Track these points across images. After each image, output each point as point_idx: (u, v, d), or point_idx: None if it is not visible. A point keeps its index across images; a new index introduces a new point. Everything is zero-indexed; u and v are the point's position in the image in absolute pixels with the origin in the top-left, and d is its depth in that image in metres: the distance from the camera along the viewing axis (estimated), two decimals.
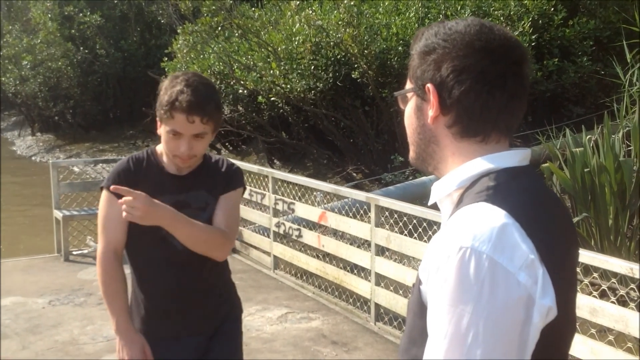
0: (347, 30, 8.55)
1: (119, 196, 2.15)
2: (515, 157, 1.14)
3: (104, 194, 2.29)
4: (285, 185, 6.28)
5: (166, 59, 11.73)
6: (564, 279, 1.07)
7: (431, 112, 1.15)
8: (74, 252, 6.84)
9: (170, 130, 2.16)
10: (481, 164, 1.12)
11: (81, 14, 16.10)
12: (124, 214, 2.08)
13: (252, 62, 9.70)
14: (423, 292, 1.10)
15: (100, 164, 12.13)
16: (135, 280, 2.35)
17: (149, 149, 2.37)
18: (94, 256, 6.73)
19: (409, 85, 1.21)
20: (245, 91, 9.98)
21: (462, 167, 1.14)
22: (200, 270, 2.30)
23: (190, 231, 2.18)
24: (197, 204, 2.29)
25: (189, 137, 2.16)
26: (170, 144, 2.19)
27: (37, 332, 4.82)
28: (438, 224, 4.37)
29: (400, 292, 4.78)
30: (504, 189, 1.08)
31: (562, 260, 1.09)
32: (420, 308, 1.10)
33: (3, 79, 17.58)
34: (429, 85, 1.15)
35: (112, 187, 2.16)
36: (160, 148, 2.32)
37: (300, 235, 5.83)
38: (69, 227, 6.91)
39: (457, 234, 1.01)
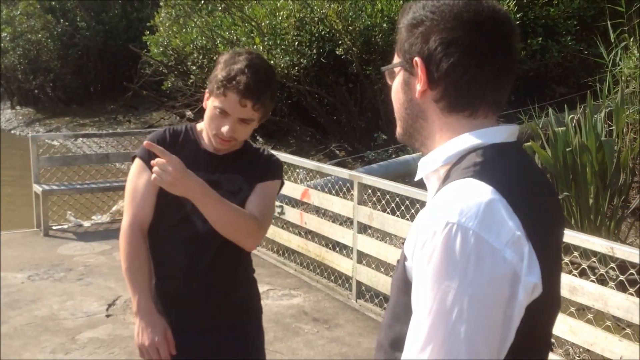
0: (332, 6, 8.46)
1: (150, 165, 2.02)
2: (503, 133, 1.13)
3: (136, 163, 2.14)
4: None
5: (148, 32, 11.57)
6: (549, 256, 1.07)
7: (419, 86, 1.13)
8: (54, 227, 6.79)
9: (219, 107, 2.05)
10: (469, 139, 1.10)
11: None
12: (154, 176, 1.93)
13: (235, 37, 9.59)
14: (408, 268, 1.09)
15: (81, 139, 11.99)
16: (152, 261, 2.16)
17: (189, 125, 2.23)
18: (73, 231, 6.71)
19: (396, 59, 1.18)
20: None
21: (449, 142, 1.12)
22: (220, 259, 2.14)
23: (221, 210, 2.00)
24: (229, 187, 2.14)
25: (235, 119, 2.05)
26: (215, 121, 2.07)
27: (16, 307, 4.78)
28: (421, 202, 4.38)
29: (382, 269, 4.80)
30: (491, 165, 1.06)
31: (547, 238, 1.08)
32: (404, 284, 1.10)
33: None
34: (416, 58, 1.12)
35: (146, 142, 2.00)
36: (200, 126, 2.19)
37: (282, 212, 5.82)
38: (49, 201, 6.84)
39: (444, 209, 1.00)
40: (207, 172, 2.11)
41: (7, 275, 5.39)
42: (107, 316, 4.66)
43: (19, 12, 16.21)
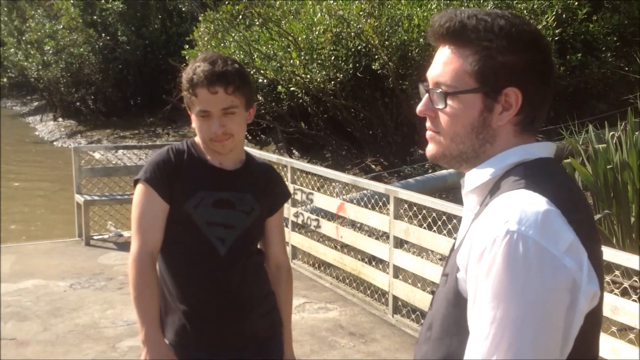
0: (368, 20, 8.51)
1: (158, 189, 2.03)
2: (547, 149, 1.17)
3: (140, 187, 2.07)
4: (304, 175, 6.30)
5: (187, 46, 11.77)
6: (599, 269, 1.08)
7: (505, 113, 1.15)
8: (95, 237, 6.91)
9: (198, 111, 2.02)
10: (516, 153, 1.14)
11: (103, 0, 16.16)
12: None
13: (272, 52, 9.70)
14: (460, 280, 1.10)
15: (121, 151, 12.22)
16: (170, 286, 2.10)
17: (189, 141, 2.17)
18: (114, 241, 6.84)
19: (464, 83, 1.16)
20: (265, 80, 9.99)
21: (498, 156, 1.16)
22: (243, 278, 2.12)
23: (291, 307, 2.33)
24: (242, 207, 2.12)
25: (218, 115, 2.01)
26: (202, 127, 2.03)
27: (59, 315, 4.89)
28: (458, 218, 4.37)
29: (419, 284, 4.79)
30: (541, 178, 1.10)
31: (597, 252, 1.10)
32: (455, 296, 1.11)
33: (26, 63, 17.72)
34: (510, 88, 1.14)
35: None
36: (198, 139, 2.13)
37: (318, 226, 5.85)
38: (90, 211, 6.98)
39: (502, 218, 1.02)
40: (218, 190, 2.09)
41: (49, 284, 5.52)
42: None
43: (61, 26, 16.61)
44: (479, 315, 1.02)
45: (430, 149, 1.23)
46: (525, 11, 7.85)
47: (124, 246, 6.65)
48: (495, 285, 1.00)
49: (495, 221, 1.03)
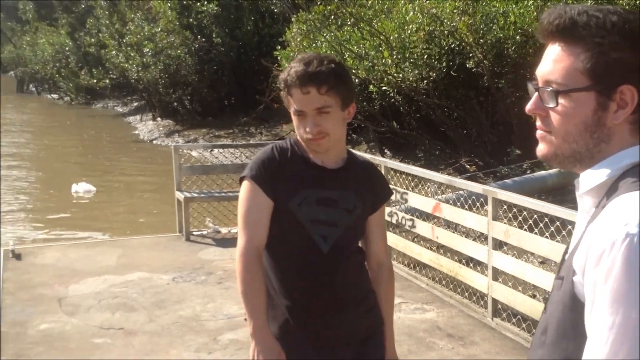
0: (462, 18, 8.40)
1: (263, 187, 2.08)
2: None
3: (246, 184, 2.12)
4: (397, 175, 6.28)
5: (279, 47, 11.97)
6: None
7: (620, 112, 1.13)
8: (194, 233, 7.14)
9: (294, 110, 2.07)
10: (634, 153, 1.12)
11: (198, 3, 16.66)
12: None
13: (363, 51, 9.73)
14: (576, 284, 1.08)
15: (216, 149, 12.58)
16: (273, 282, 2.15)
17: (292, 139, 2.20)
18: (212, 237, 7.05)
19: (576, 81, 1.14)
20: (356, 80, 10.03)
21: (614, 156, 1.13)
22: (347, 275, 2.15)
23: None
24: (344, 205, 2.15)
25: (312, 114, 2.04)
26: (299, 126, 2.09)
27: (163, 307, 5.09)
28: (561, 220, 4.24)
29: (519, 288, 4.68)
30: None
31: None
32: (572, 300, 1.09)
33: (126, 65, 18.53)
34: (627, 86, 1.12)
35: None
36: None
37: (413, 226, 5.82)
38: (190, 208, 7.21)
39: (621, 221, 1.00)
40: (320, 188, 2.12)
41: (153, 277, 5.76)
42: (246, 319, 4.85)
43: (159, 29, 17.26)
44: (597, 320, 1.00)
45: (542, 149, 1.21)
46: (627, 7, 7.53)
47: (222, 242, 6.85)
48: (614, 290, 0.98)
49: (614, 224, 1.01)
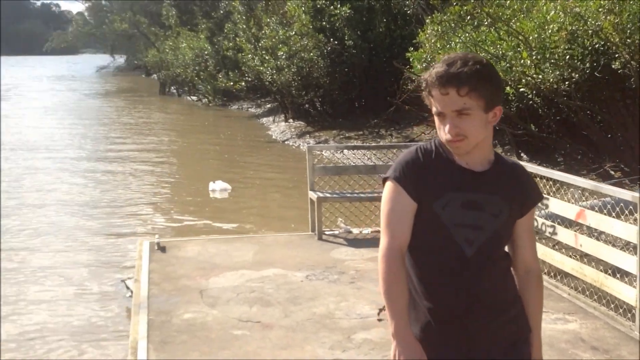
0: (608, 17, 7.95)
1: (406, 188, 2.07)
2: None
3: (390, 185, 2.11)
4: (536, 179, 6.03)
5: (411, 48, 11.88)
6: None
7: None
8: (326, 232, 7.23)
9: (435, 112, 2.05)
10: None
11: (332, 7, 16.88)
12: None
13: (500, 52, 9.45)
14: None
15: (346, 150, 12.71)
16: (415, 283, 2.13)
17: (436, 140, 2.15)
18: (344, 237, 7.11)
19: None
20: None
21: None
22: (490, 283, 2.10)
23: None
24: (490, 209, 2.09)
25: (451, 115, 2.01)
26: (439, 128, 2.06)
27: (297, 303, 5.20)
28: None
29: None
30: None
31: None
32: None
33: (261, 68, 19.15)
34: None
35: None
36: None
37: (554, 233, 5.57)
38: (322, 208, 7.32)
39: None
40: (467, 191, 2.08)
41: (287, 273, 5.90)
42: (379, 320, 4.85)
43: (293, 33, 17.68)
44: None
45: None
46: None
47: (353, 242, 6.90)
48: None
49: None
